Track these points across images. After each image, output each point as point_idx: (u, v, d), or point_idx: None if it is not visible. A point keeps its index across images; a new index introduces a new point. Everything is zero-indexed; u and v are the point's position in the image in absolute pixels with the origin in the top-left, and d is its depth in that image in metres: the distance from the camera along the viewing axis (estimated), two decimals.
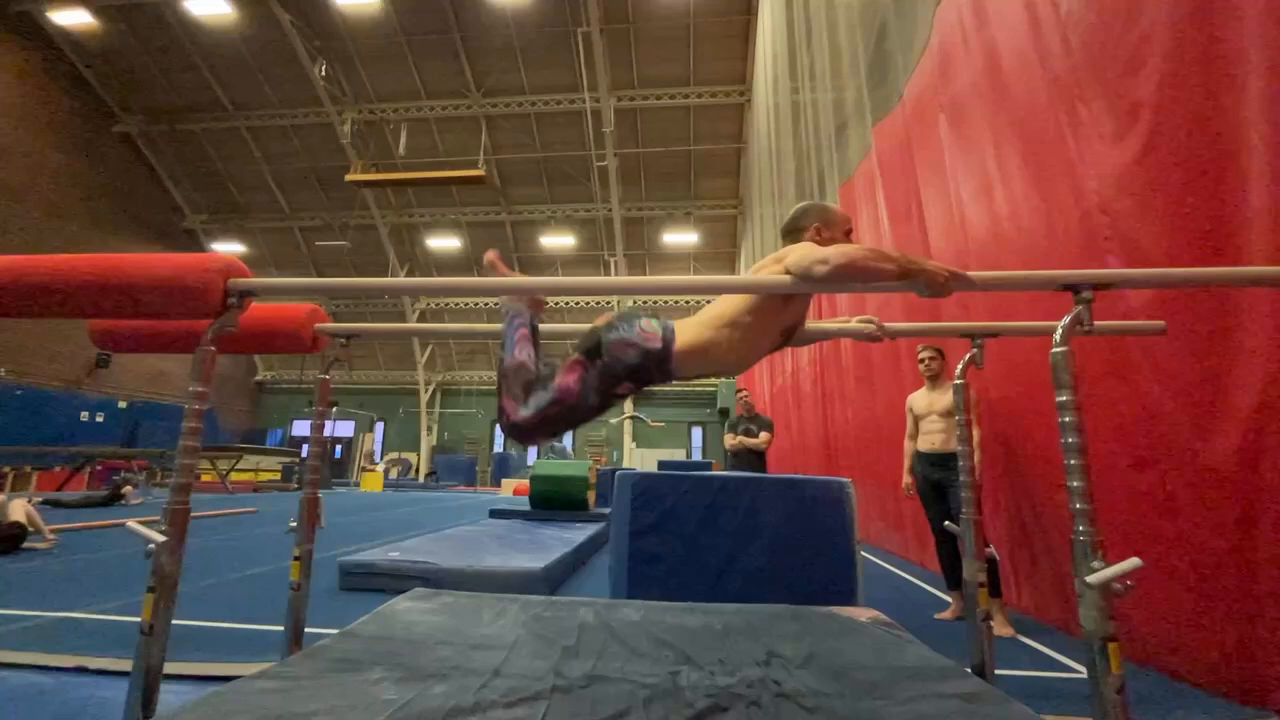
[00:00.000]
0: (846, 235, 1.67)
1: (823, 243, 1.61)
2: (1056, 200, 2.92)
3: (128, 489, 8.98)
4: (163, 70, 17.26)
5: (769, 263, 1.59)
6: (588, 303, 21.07)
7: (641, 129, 17.46)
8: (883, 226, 5.53)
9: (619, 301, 20.29)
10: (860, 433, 6.39)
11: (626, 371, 1.51)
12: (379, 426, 23.79)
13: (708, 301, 1.73)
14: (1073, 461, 1.37)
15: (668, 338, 1.53)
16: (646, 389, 1.62)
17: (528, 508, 6.69)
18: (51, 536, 4.83)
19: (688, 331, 1.56)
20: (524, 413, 1.50)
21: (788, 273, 1.51)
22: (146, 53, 16.78)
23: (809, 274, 1.45)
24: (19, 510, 4.65)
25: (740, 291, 1.64)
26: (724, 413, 19.87)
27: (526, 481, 7.88)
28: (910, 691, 1.62)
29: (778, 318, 1.62)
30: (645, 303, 20.77)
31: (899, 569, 4.88)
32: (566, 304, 20.98)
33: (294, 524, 2.06)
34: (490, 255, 1.81)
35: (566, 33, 15.22)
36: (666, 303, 20.88)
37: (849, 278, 1.46)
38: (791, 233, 1.72)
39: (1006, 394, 3.47)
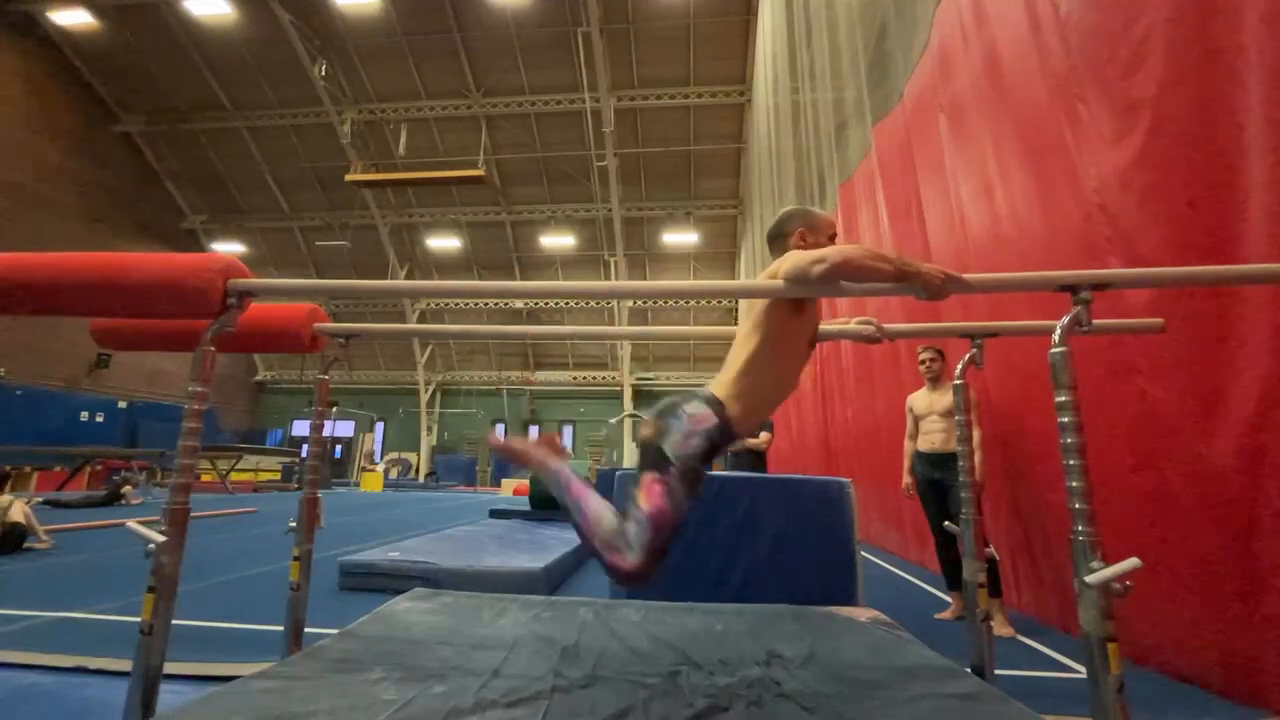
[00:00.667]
0: (831, 240, 1.68)
1: (808, 247, 1.62)
2: (1056, 200, 2.92)
3: (128, 489, 8.98)
4: (163, 70, 17.27)
5: (764, 278, 1.59)
6: (589, 303, 21.09)
7: (641, 129, 17.45)
8: (883, 226, 5.53)
9: (618, 304, 20.32)
10: (860, 433, 6.39)
11: (700, 459, 1.49)
12: (379, 426, 23.79)
13: (709, 303, 1.73)
14: (1072, 462, 1.37)
15: (718, 409, 1.52)
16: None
17: (528, 508, 6.69)
18: (46, 538, 4.83)
19: (728, 389, 1.56)
20: (633, 558, 1.41)
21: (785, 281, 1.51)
22: (146, 53, 16.78)
23: (806, 275, 1.46)
24: (18, 511, 4.65)
25: (741, 296, 1.65)
26: None
27: (526, 481, 7.87)
28: (910, 691, 1.62)
29: (799, 333, 1.62)
30: (645, 304, 20.80)
31: (899, 569, 4.88)
32: (567, 305, 21.01)
33: (294, 524, 2.06)
34: (492, 440, 1.76)
35: (566, 33, 15.22)
36: (668, 304, 20.91)
37: (845, 276, 1.47)
38: (777, 237, 1.73)
39: (1006, 394, 3.47)
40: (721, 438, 1.52)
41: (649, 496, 1.44)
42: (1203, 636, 2.18)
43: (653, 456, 1.48)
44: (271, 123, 18.30)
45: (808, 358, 1.71)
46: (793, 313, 1.59)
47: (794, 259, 1.51)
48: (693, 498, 1.48)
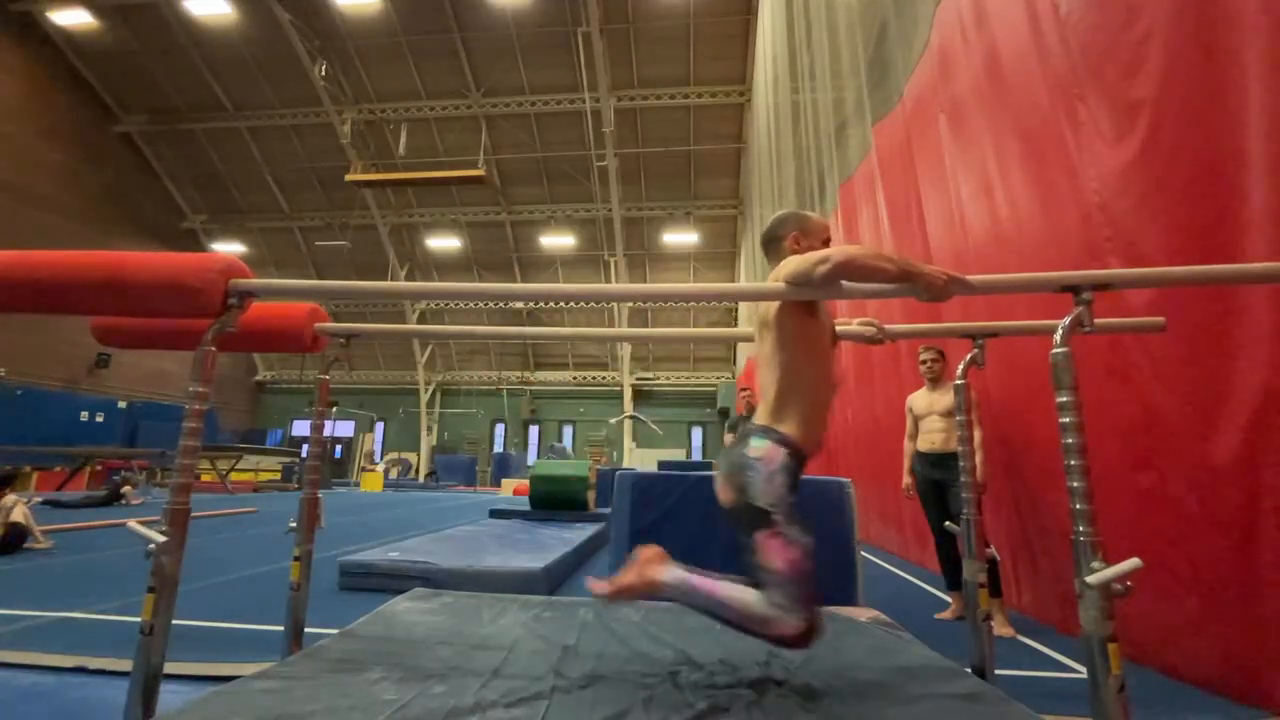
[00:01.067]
0: (824, 243, 1.68)
1: (801, 251, 1.63)
2: (1056, 200, 2.92)
3: (128, 489, 8.98)
4: (163, 70, 17.28)
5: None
6: (589, 304, 21.09)
7: (641, 129, 17.46)
8: (883, 226, 5.53)
9: (618, 304, 20.30)
10: (860, 433, 6.39)
11: (790, 490, 1.48)
12: (379, 426, 23.79)
13: (709, 303, 1.73)
14: (1073, 462, 1.37)
15: (778, 438, 1.51)
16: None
17: (528, 508, 6.69)
18: (44, 539, 4.82)
19: (777, 414, 1.55)
20: (794, 619, 1.37)
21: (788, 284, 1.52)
22: (146, 53, 16.79)
23: (810, 277, 1.46)
24: (19, 511, 4.66)
25: (742, 299, 1.65)
26: (724, 413, 19.85)
27: (526, 481, 7.88)
28: (910, 691, 1.62)
29: (818, 332, 1.63)
30: (645, 304, 20.78)
31: (899, 569, 4.88)
32: (567, 305, 21.01)
33: (294, 524, 2.06)
34: (597, 590, 1.62)
35: (566, 33, 15.22)
36: (667, 304, 20.90)
37: (849, 276, 1.47)
38: (771, 241, 1.74)
39: (1007, 394, 3.47)
40: (797, 462, 1.51)
41: (773, 554, 1.41)
42: (1203, 636, 2.18)
43: (750, 516, 1.46)
44: (271, 123, 18.31)
45: (834, 354, 1.71)
46: (806, 314, 1.59)
47: (795, 262, 1.51)
48: (805, 533, 1.45)
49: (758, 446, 1.51)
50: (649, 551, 1.60)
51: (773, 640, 1.40)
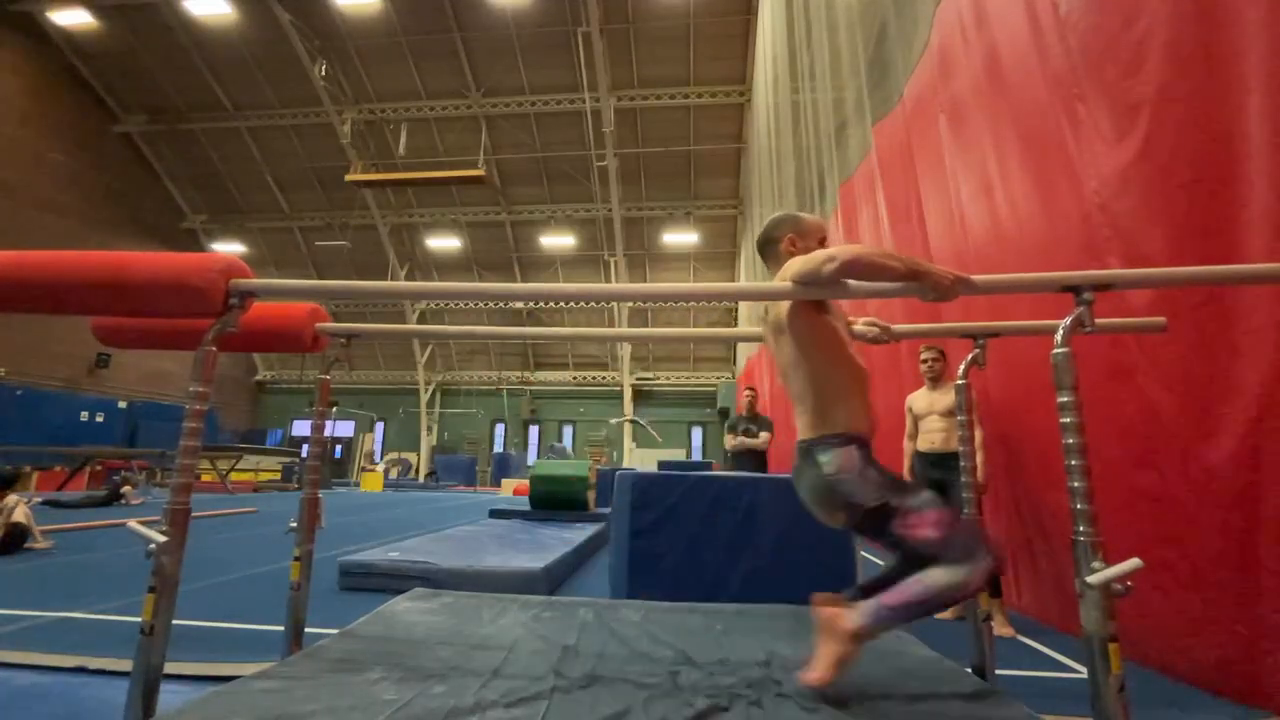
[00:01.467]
0: (820, 244, 1.68)
1: (798, 252, 1.63)
2: (1056, 200, 2.92)
3: (128, 489, 8.98)
4: (163, 70, 17.28)
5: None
6: (589, 304, 21.09)
7: (641, 129, 17.46)
8: (883, 226, 5.53)
9: (618, 304, 20.32)
10: None
11: (884, 474, 1.52)
12: (379, 426, 23.79)
13: (709, 303, 1.73)
14: (1073, 462, 1.37)
15: (841, 441, 1.54)
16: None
17: (528, 508, 6.69)
18: (44, 539, 4.82)
19: (824, 418, 1.57)
20: (979, 563, 1.40)
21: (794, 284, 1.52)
22: (146, 53, 16.79)
23: (817, 275, 1.46)
24: (21, 511, 4.65)
25: (745, 299, 1.65)
26: (724, 413, 19.85)
27: (526, 481, 7.88)
28: (910, 691, 1.62)
29: (834, 325, 1.63)
30: (645, 304, 20.79)
31: None
32: (567, 305, 21.01)
33: (294, 524, 2.06)
34: (811, 680, 1.55)
35: (566, 33, 15.22)
36: (667, 304, 20.90)
37: (856, 274, 1.48)
38: (767, 243, 1.74)
39: (1005, 394, 3.47)
40: (867, 450, 1.55)
41: (921, 530, 1.44)
42: (1203, 636, 2.18)
43: (874, 518, 1.49)
44: (271, 123, 18.31)
45: (852, 340, 1.73)
46: (819, 311, 1.60)
47: (800, 262, 1.51)
48: (920, 491, 1.50)
49: (829, 461, 1.52)
50: (823, 610, 1.57)
51: (975, 593, 1.48)
